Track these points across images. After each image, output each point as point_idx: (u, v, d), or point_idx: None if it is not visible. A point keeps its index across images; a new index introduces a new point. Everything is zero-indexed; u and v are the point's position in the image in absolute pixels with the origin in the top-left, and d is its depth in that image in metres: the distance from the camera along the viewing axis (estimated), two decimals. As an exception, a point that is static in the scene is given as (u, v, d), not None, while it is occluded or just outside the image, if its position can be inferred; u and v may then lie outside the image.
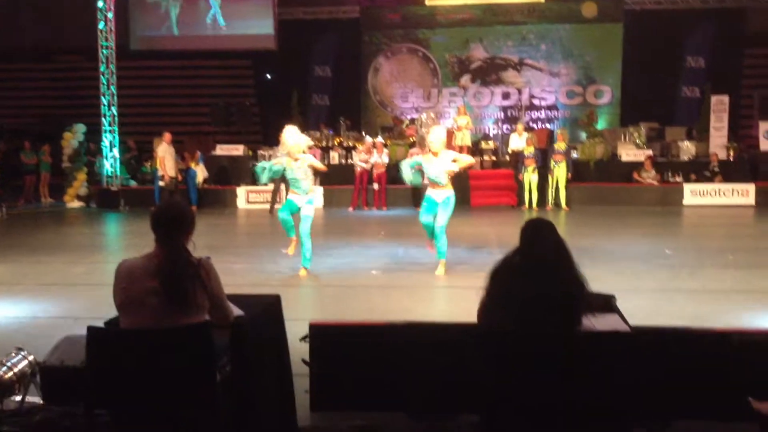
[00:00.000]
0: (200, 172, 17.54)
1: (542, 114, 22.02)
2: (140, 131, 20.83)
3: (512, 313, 3.21)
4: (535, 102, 22.00)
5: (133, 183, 19.23)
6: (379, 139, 17.55)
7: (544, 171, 16.29)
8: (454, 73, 22.32)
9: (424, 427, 4.06)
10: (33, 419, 4.08)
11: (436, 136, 8.01)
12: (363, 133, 19.13)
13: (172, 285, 3.12)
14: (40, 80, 24.26)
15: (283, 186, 13.91)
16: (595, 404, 3.14)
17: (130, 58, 20.81)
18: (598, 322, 3.48)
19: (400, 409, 4.18)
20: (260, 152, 18.61)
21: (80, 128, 18.58)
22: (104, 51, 18.28)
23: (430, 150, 7.97)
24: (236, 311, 3.48)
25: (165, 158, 16.01)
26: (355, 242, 11.12)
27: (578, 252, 3.46)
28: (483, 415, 3.50)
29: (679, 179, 17.31)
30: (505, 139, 19.17)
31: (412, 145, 17.46)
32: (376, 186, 16.53)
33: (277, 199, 15.78)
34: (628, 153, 17.92)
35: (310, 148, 8.85)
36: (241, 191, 17.74)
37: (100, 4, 18.13)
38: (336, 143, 19.32)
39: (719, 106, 18.30)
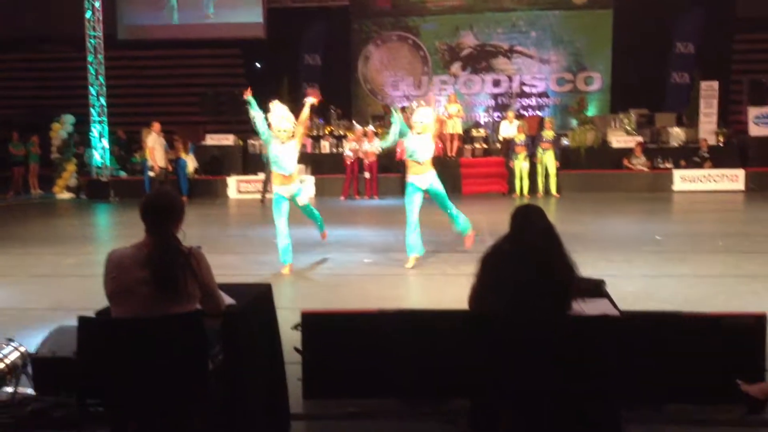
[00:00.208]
0: (190, 162, 17.48)
1: (533, 101, 22.02)
2: (129, 121, 20.71)
3: (503, 298, 3.23)
4: (526, 89, 21.99)
5: (122, 173, 19.14)
6: (370, 127, 17.52)
7: (534, 158, 16.33)
8: (444, 61, 22.28)
9: (416, 412, 4.09)
10: (25, 410, 4.08)
11: (422, 115, 7.93)
12: (354, 122, 19.09)
13: (162, 274, 3.11)
14: (27, 71, 24.06)
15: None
16: (585, 388, 3.16)
17: (119, 48, 20.66)
18: (588, 307, 3.49)
19: (392, 395, 4.21)
20: (250, 141, 18.55)
21: (69, 119, 18.47)
22: (92, 41, 18.14)
23: (413, 129, 7.88)
24: (228, 300, 3.48)
25: (154, 148, 15.94)
26: (346, 231, 11.12)
27: (569, 238, 3.47)
28: (474, 400, 3.52)
29: (669, 165, 17.37)
30: (495, 126, 19.17)
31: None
32: (367, 175, 16.52)
33: (268, 189, 15.73)
34: (619, 139, 17.96)
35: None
36: (232, 181, 17.70)
37: (86, -7, 17.99)
38: (327, 132, 19.27)
39: (709, 91, 18.33)
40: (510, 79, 21.95)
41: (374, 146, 16.50)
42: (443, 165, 16.43)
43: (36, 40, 23.32)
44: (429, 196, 8.13)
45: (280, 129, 7.68)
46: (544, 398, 3.15)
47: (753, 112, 17.83)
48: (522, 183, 16.26)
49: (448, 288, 6.98)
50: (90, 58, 18.14)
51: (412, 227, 8.00)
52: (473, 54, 22.17)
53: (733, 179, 16.61)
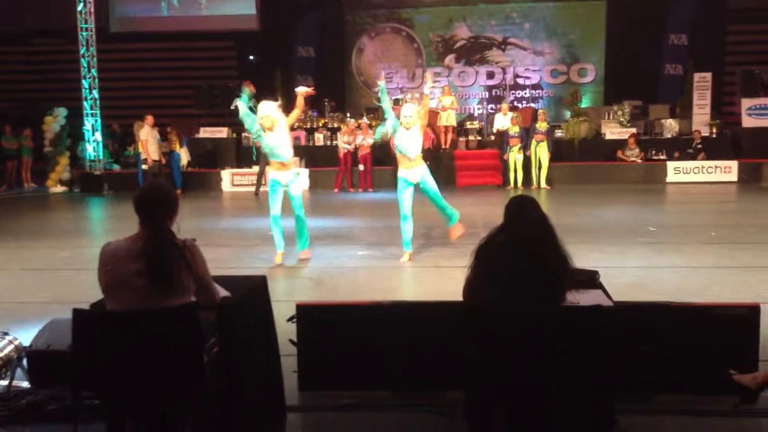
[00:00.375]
0: (183, 156, 17.42)
1: (527, 93, 22.02)
2: (122, 114, 20.62)
3: (497, 289, 3.24)
4: (520, 81, 21.99)
5: (116, 167, 19.08)
6: (364, 120, 17.48)
7: (528, 150, 16.33)
8: (438, 53, 22.26)
9: (410, 404, 4.10)
10: (20, 403, 4.08)
11: (408, 110, 7.95)
12: (347, 115, 19.06)
13: (156, 266, 3.11)
14: (19, 63, 23.92)
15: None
16: (578, 378, 3.18)
17: (111, 41, 20.55)
18: (582, 298, 3.52)
19: (387, 387, 4.22)
20: (244, 134, 18.50)
21: (61, 112, 18.37)
22: (84, 33, 18.03)
23: (402, 125, 7.88)
24: (222, 292, 3.48)
25: (148, 141, 15.88)
26: (341, 223, 11.12)
27: (563, 230, 3.48)
28: (469, 391, 3.54)
29: (662, 157, 17.40)
30: (490, 118, 19.17)
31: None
32: (361, 167, 16.50)
33: (263, 182, 15.70)
34: (612, 131, 17.98)
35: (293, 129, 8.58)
36: (226, 174, 17.66)
37: (78, -15, 17.86)
38: (320, 125, 19.24)
39: (702, 83, 18.37)
40: (504, 71, 21.94)
41: (368, 139, 16.49)
42: (437, 157, 16.51)
43: (28, 34, 23.18)
44: (420, 189, 8.14)
45: (264, 116, 7.54)
46: (537, 389, 3.16)
47: (746, 103, 17.86)
48: (516, 175, 16.27)
49: (443, 280, 6.99)
50: (82, 51, 18.04)
51: (405, 221, 8.03)
52: (467, 46, 22.15)
53: (726, 171, 16.65)
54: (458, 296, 3.47)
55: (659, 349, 3.94)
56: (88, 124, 18.00)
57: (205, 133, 18.77)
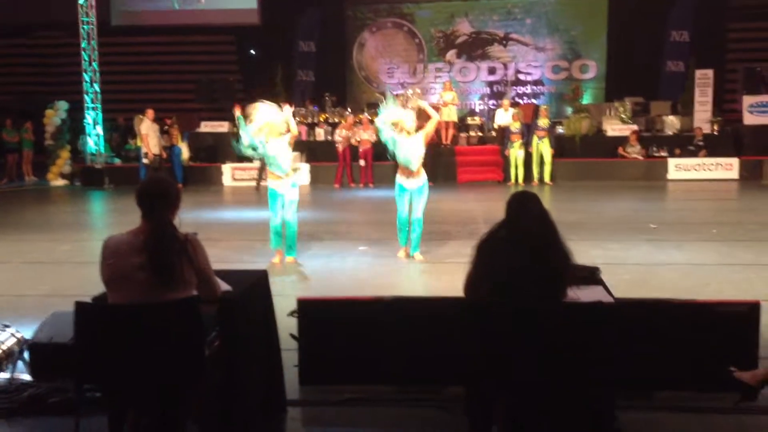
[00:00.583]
0: (184, 150, 17.41)
1: (528, 89, 21.98)
2: (124, 108, 20.60)
3: (498, 285, 3.24)
4: (521, 77, 21.93)
5: (117, 161, 19.07)
6: (366, 115, 17.47)
7: (530, 147, 16.32)
8: (439, 48, 22.21)
9: (411, 399, 4.11)
10: (22, 396, 4.08)
11: (408, 117, 7.85)
12: (348, 110, 19.03)
13: (158, 260, 3.12)
14: (21, 56, 23.87)
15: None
16: (579, 375, 3.18)
17: (112, 34, 20.51)
18: (583, 294, 3.52)
19: (387, 382, 4.22)
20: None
21: (62, 105, 18.36)
22: (85, 26, 18.00)
23: (404, 130, 7.81)
24: (224, 286, 3.48)
25: (148, 136, 15.87)
26: (341, 219, 11.13)
27: (564, 226, 3.48)
28: (469, 387, 3.55)
29: (663, 154, 17.37)
30: (491, 114, 19.12)
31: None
32: (362, 162, 16.48)
33: (263, 176, 15.69)
34: (613, 128, 17.94)
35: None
36: (227, 168, 17.64)
37: (79, -22, 17.83)
38: (321, 119, 19.21)
39: (704, 80, 18.32)
40: (505, 66, 21.89)
41: (369, 134, 16.45)
42: (438, 153, 16.48)
43: (29, 27, 23.14)
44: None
45: (264, 124, 7.39)
46: (538, 385, 3.17)
47: (748, 100, 17.83)
48: (517, 171, 16.26)
49: (444, 275, 7.00)
50: (84, 44, 18.02)
51: (402, 222, 8.03)
52: (468, 41, 22.09)
53: (727, 168, 16.63)
54: (459, 292, 3.47)
55: (660, 346, 3.94)
56: (89, 117, 17.98)
57: (206, 127, 18.73)
